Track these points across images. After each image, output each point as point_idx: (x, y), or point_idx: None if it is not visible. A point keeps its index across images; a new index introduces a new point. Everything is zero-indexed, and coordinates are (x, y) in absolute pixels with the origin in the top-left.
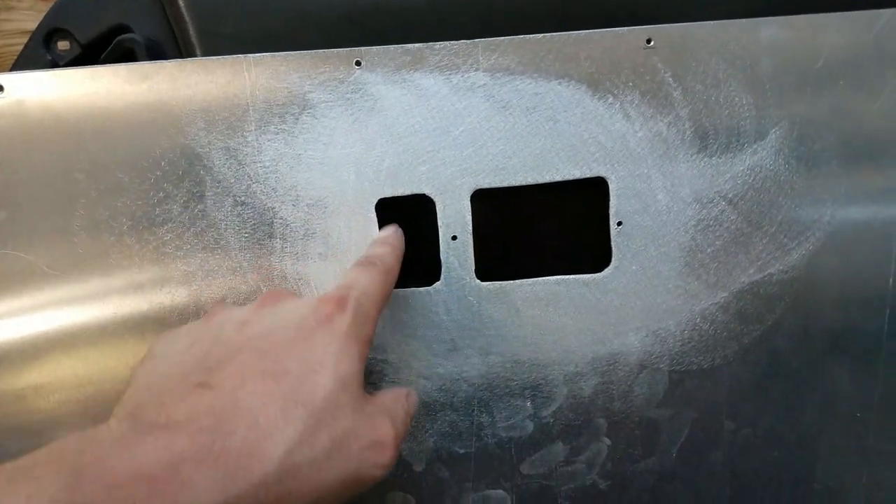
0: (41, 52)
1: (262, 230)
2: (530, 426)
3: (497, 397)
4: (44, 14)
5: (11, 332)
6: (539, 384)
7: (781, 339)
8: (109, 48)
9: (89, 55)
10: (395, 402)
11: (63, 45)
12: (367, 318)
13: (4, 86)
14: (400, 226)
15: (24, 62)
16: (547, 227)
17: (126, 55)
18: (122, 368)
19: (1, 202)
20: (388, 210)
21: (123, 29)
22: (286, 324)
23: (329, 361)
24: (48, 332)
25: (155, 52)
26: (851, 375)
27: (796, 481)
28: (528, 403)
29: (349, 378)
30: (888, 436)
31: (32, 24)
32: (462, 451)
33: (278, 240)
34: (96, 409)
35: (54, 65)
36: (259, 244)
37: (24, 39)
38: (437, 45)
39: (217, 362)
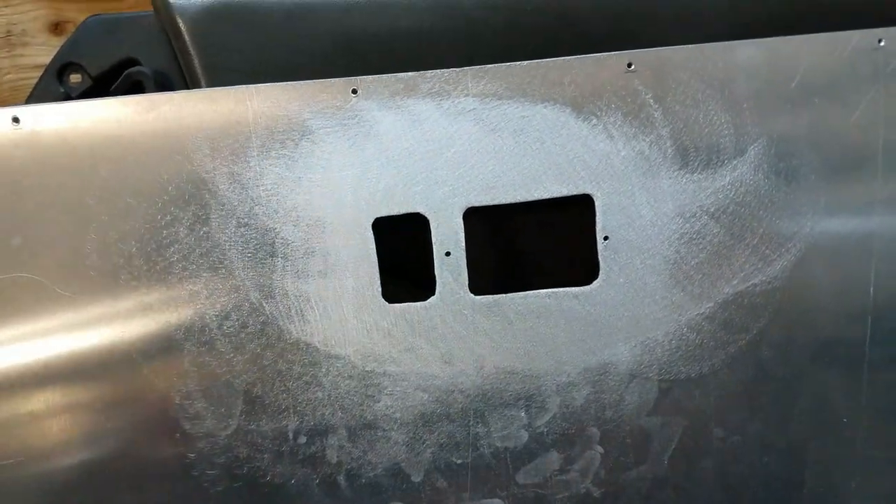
0: (54, 85)
1: (265, 250)
2: (525, 436)
3: (492, 408)
4: (57, 49)
5: (23, 356)
6: (532, 394)
7: (767, 348)
8: (119, 80)
9: (100, 87)
10: None
11: (75, 78)
12: None
13: (20, 118)
14: (396, 243)
15: (39, 95)
16: (537, 243)
17: (135, 87)
18: (132, 389)
19: (17, 228)
20: (385, 229)
21: (132, 62)
22: None
23: None
24: (59, 356)
25: (162, 84)
26: (837, 382)
27: (786, 487)
28: (523, 413)
29: None
30: (876, 441)
31: (46, 59)
32: (459, 461)
33: (280, 259)
34: (104, 432)
35: (67, 97)
36: (261, 263)
37: (39, 73)
38: (429, 73)
39: None
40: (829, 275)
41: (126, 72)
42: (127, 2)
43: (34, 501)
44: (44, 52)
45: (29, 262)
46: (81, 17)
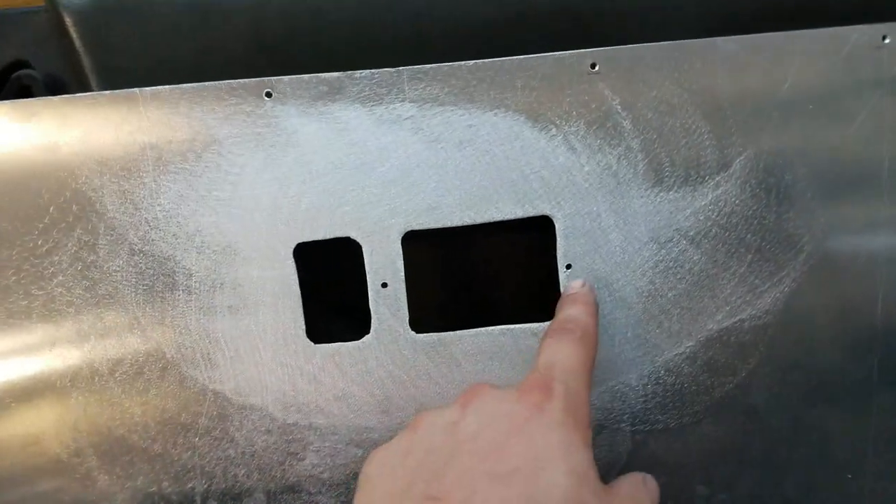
0: None
1: (163, 281)
2: None
3: None
4: None
5: None
6: None
7: (757, 392)
8: (6, 86)
9: None
10: (636, 489)
11: None
12: (580, 398)
13: None
14: (322, 273)
15: None
16: (488, 272)
17: (24, 92)
18: (14, 443)
19: None
20: (309, 256)
21: (22, 65)
22: (496, 420)
23: (556, 455)
24: None
25: (55, 89)
26: (839, 430)
27: None
28: None
29: (584, 470)
30: (884, 499)
31: None
32: None
33: (181, 292)
34: None
35: None
36: (160, 297)
37: None
38: (358, 73)
39: (436, 471)
40: (829, 307)
41: (13, 75)
42: None
43: None
44: None
45: None
46: None
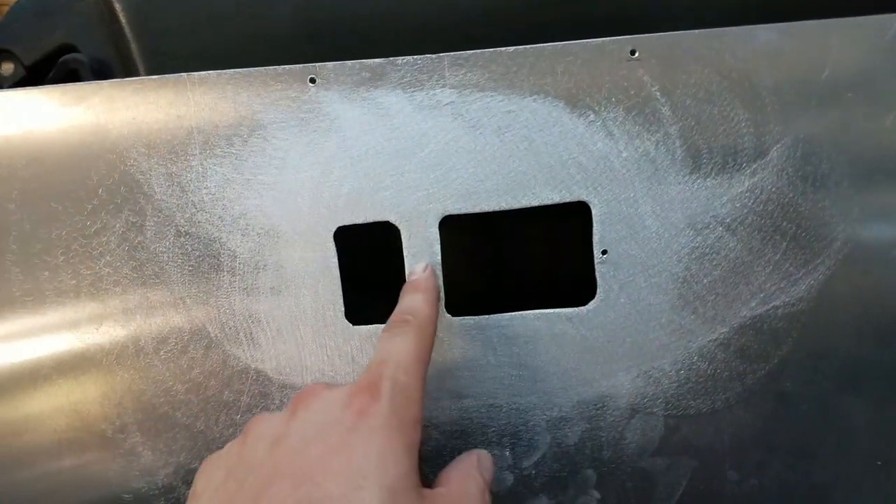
0: None
1: (208, 262)
2: (510, 478)
3: (472, 446)
4: None
5: None
6: (519, 431)
7: (789, 379)
8: (54, 69)
9: (35, 77)
10: (466, 479)
11: (7, 67)
12: (408, 396)
13: None
14: (362, 256)
15: None
16: (525, 257)
17: (71, 76)
18: (59, 418)
19: None
20: (349, 239)
21: (69, 49)
22: (319, 432)
23: (372, 470)
24: None
25: (101, 73)
26: (870, 418)
27: None
28: (508, 453)
29: (399, 483)
30: None
31: None
32: None
33: (226, 273)
34: (27, 465)
35: None
36: (205, 278)
37: None
38: (400, 59)
39: (253, 497)
40: (863, 296)
41: (61, 59)
42: None
43: None
44: None
45: None
46: None
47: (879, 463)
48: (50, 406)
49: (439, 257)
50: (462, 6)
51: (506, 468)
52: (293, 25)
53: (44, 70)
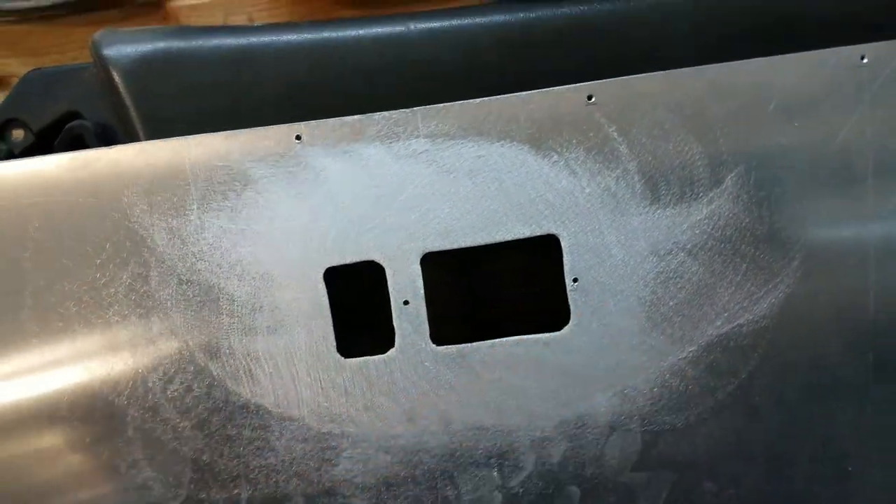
0: None
1: (209, 307)
2: (499, 498)
3: (461, 468)
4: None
5: None
6: (505, 451)
7: (759, 392)
8: (61, 135)
9: (43, 142)
10: None
11: (17, 133)
12: None
13: None
14: (350, 294)
15: None
16: (501, 288)
17: (77, 141)
18: (75, 457)
19: None
20: (337, 279)
21: (75, 115)
22: None
23: None
24: (2, 423)
25: (105, 137)
26: (839, 426)
27: None
28: (495, 473)
29: None
30: (884, 490)
31: None
32: None
33: (225, 316)
34: (24, 497)
35: (10, 154)
36: (206, 322)
37: None
38: (376, 115)
39: None
40: (823, 309)
41: (67, 126)
42: (69, 53)
43: None
44: None
45: None
46: (24, 71)
47: (850, 468)
48: (64, 443)
49: (422, 291)
50: (428, 64)
51: (494, 489)
52: (277, 89)
53: (51, 136)
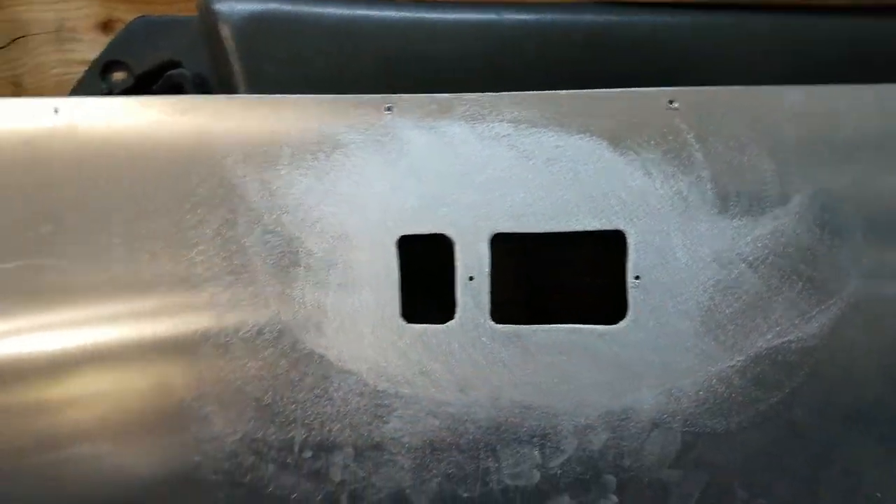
0: (98, 81)
1: (288, 258)
2: (537, 476)
3: (504, 443)
4: (104, 47)
5: (45, 343)
6: (548, 433)
7: (800, 409)
8: (160, 81)
9: (142, 86)
10: None
11: (118, 75)
12: None
13: (59, 108)
14: (419, 263)
15: (82, 89)
16: (565, 275)
17: (175, 88)
18: (145, 385)
19: (47, 216)
20: (408, 247)
21: (174, 64)
22: None
23: None
24: (79, 346)
25: (201, 88)
26: (873, 454)
27: None
28: (536, 452)
29: None
30: None
31: (93, 55)
32: (465, 494)
33: (302, 268)
34: (115, 425)
35: (110, 93)
36: (284, 271)
37: (85, 68)
38: (465, 96)
39: None
40: (871, 339)
41: (167, 73)
42: (176, 5)
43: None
44: (92, 48)
45: (56, 251)
46: (131, 17)
47: (878, 495)
48: (142, 378)
49: (488, 269)
50: (522, 53)
51: (534, 466)
52: (374, 62)
53: (150, 81)
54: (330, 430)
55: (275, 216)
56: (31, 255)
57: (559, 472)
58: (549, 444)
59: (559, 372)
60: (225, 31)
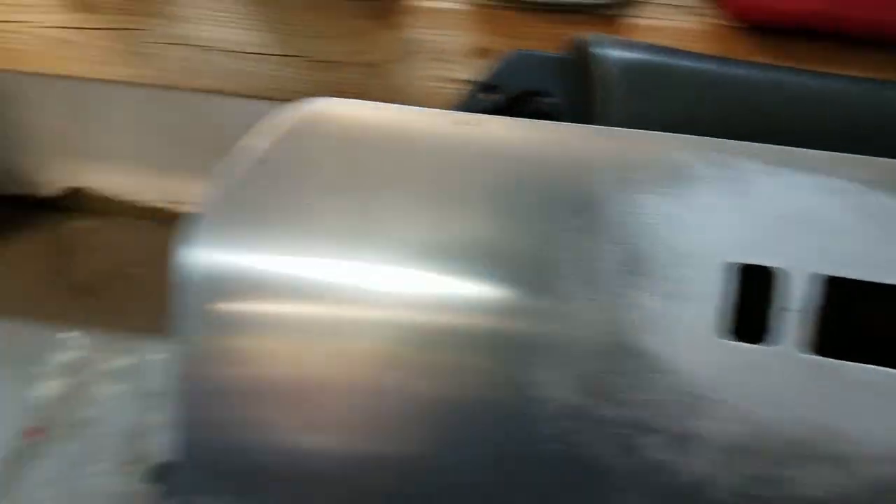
0: (475, 98)
1: (629, 266)
2: (836, 492)
3: (806, 459)
4: (476, 70)
5: None
6: (851, 459)
7: None
8: (532, 105)
9: (509, 108)
10: None
11: (492, 96)
12: None
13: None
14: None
15: (462, 105)
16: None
17: (542, 116)
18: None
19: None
20: (740, 276)
21: (544, 95)
22: None
23: None
24: None
25: (558, 117)
26: None
27: None
28: (836, 472)
29: None
30: None
31: (462, 75)
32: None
33: (642, 277)
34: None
35: (483, 111)
36: (624, 278)
37: (453, 86)
38: (810, 152)
39: None
40: None
41: (534, 98)
42: (544, 42)
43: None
44: (463, 69)
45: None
46: (500, 48)
47: None
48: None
49: (814, 304)
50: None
51: (833, 484)
52: (733, 112)
53: (516, 105)
54: (648, 415)
55: (623, 231)
56: None
57: (854, 493)
58: (849, 468)
59: (873, 408)
60: (614, 74)
